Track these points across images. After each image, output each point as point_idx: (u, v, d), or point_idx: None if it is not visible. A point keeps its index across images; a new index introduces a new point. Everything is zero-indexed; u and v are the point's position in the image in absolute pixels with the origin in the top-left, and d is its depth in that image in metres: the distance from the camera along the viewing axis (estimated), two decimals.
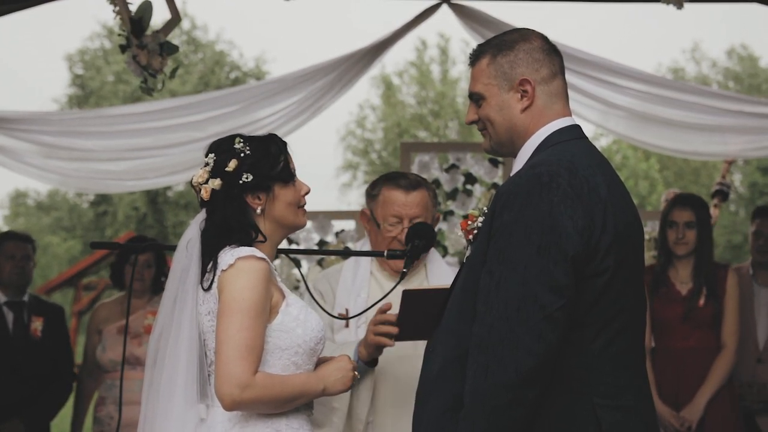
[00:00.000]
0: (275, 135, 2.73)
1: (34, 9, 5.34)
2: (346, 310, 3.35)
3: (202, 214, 2.65)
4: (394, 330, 3.07)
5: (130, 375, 4.82)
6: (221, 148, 2.66)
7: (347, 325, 3.35)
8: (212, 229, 2.61)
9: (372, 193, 3.44)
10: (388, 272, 3.45)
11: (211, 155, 2.65)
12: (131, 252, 4.87)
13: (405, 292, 3.05)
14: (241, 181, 2.60)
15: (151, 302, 5.04)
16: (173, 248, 3.05)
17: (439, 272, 3.49)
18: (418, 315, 3.01)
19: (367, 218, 3.46)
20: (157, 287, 5.10)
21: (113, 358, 4.92)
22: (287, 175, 2.67)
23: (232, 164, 2.61)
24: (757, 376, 5.07)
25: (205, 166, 2.65)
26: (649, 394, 2.36)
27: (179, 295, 2.59)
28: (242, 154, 2.62)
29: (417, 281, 3.46)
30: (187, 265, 2.60)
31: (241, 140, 2.65)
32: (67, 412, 5.29)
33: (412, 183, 3.40)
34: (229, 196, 2.61)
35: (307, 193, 2.73)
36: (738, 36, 44.31)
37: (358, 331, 3.34)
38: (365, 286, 3.42)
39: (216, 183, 2.61)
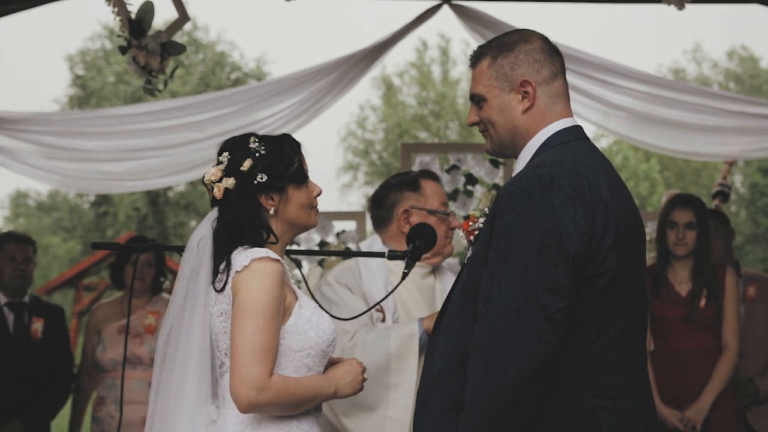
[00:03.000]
0: (289, 135, 2.71)
1: (35, 10, 5.34)
2: (381, 308, 3.37)
3: (214, 213, 2.64)
4: None
5: (131, 374, 4.83)
6: (235, 146, 2.64)
7: (384, 320, 3.38)
8: (224, 229, 2.59)
9: (415, 190, 3.49)
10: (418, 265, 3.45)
11: (225, 153, 2.63)
12: (132, 252, 4.87)
13: None
14: (255, 182, 2.59)
15: (150, 302, 5.04)
16: (174, 248, 3.05)
17: (446, 278, 3.53)
18: None
19: (409, 216, 3.46)
20: (156, 287, 5.10)
21: (113, 357, 4.91)
22: (301, 176, 2.67)
23: (246, 164, 2.59)
24: (740, 371, 5.08)
25: (218, 164, 2.63)
26: (649, 395, 2.35)
27: (189, 294, 2.58)
28: (257, 154, 2.61)
29: (427, 282, 3.48)
30: (197, 263, 2.59)
31: (256, 139, 2.64)
32: (66, 412, 5.29)
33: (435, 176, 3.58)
34: (242, 196, 2.59)
35: (319, 194, 2.72)
36: (739, 37, 44.30)
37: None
38: (390, 283, 3.43)
39: (230, 182, 2.60)
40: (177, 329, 2.58)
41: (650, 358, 4.62)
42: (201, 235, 2.62)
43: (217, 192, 2.60)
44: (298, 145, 2.69)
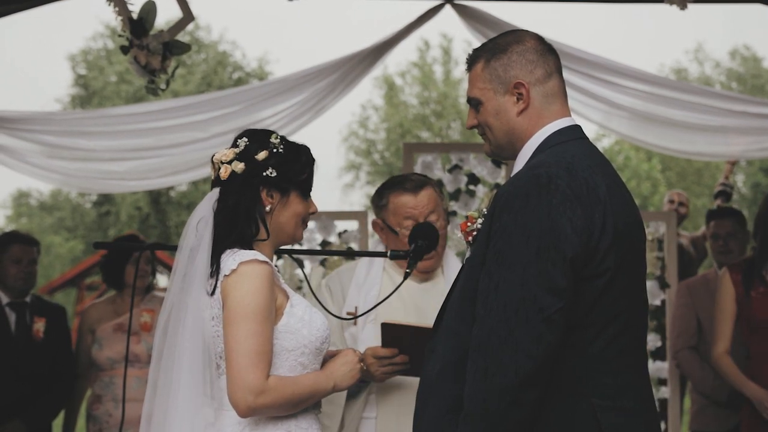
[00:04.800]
0: (308, 148, 2.73)
1: (37, 9, 5.34)
2: (356, 308, 3.35)
3: (215, 194, 2.63)
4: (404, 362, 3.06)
5: (128, 372, 4.85)
6: (256, 137, 2.65)
7: (356, 323, 3.36)
8: (225, 211, 2.59)
9: (381, 203, 3.44)
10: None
11: (244, 139, 2.64)
12: (134, 251, 4.88)
13: (382, 325, 3.04)
14: (264, 174, 2.60)
15: (144, 300, 5.06)
16: (176, 248, 3.04)
17: (455, 273, 3.48)
18: (406, 350, 3.00)
19: (380, 227, 3.46)
20: (149, 286, 5.13)
21: (111, 356, 4.94)
22: (307, 187, 2.69)
23: (262, 155, 2.61)
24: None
25: (233, 146, 2.64)
26: (649, 395, 2.35)
27: (187, 275, 2.57)
28: (275, 150, 2.62)
29: (432, 282, 3.46)
30: (196, 245, 2.58)
31: (278, 137, 2.66)
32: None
33: (418, 183, 3.41)
34: (246, 184, 2.60)
35: (313, 213, 2.73)
36: (741, 37, 44.28)
37: (366, 326, 3.35)
38: (377, 283, 3.43)
39: (239, 167, 2.60)
40: (176, 313, 2.57)
41: (748, 363, 4.43)
42: (201, 215, 2.61)
43: (224, 172, 2.61)
44: (313, 160, 2.71)
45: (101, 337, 4.99)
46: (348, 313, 3.34)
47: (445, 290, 3.39)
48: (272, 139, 2.64)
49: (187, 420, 2.50)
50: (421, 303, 3.37)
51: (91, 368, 5.05)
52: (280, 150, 2.63)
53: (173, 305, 2.59)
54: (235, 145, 2.64)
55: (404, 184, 3.41)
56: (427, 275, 3.43)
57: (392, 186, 3.44)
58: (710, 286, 5.29)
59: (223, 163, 2.62)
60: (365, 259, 3.54)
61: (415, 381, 3.12)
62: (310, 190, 2.70)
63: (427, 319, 3.34)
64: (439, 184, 5.77)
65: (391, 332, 3.02)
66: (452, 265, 3.51)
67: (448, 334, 2.32)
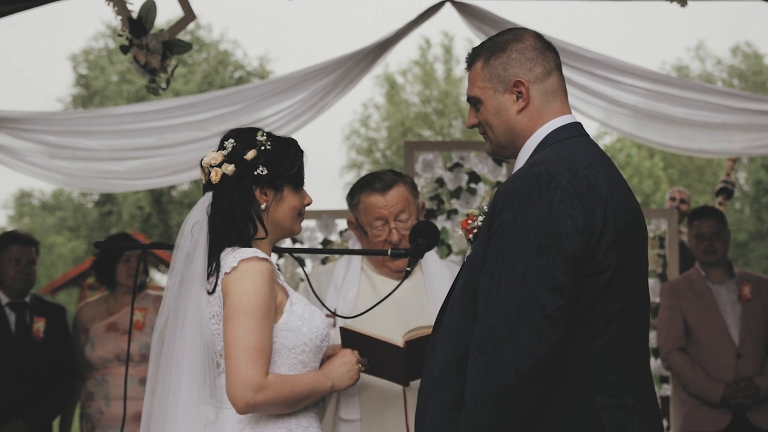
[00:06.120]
0: (296, 140, 2.73)
1: (38, 9, 5.33)
2: (335, 310, 3.35)
3: (207, 198, 2.63)
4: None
5: (121, 370, 4.86)
6: (242, 136, 2.65)
7: (334, 324, 3.34)
8: (219, 214, 2.59)
9: (352, 203, 3.46)
10: (386, 272, 3.45)
11: (231, 140, 2.64)
12: (133, 250, 4.89)
13: (341, 329, 3.05)
14: (255, 173, 2.60)
15: (137, 299, 5.07)
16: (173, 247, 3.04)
17: (435, 271, 3.49)
18: (367, 355, 3.00)
19: (354, 226, 3.49)
20: (142, 285, 5.15)
21: (103, 355, 4.96)
22: (299, 180, 2.68)
23: (250, 154, 2.60)
24: (740, 372, 5.07)
25: (221, 149, 2.64)
26: (652, 393, 2.35)
27: (185, 280, 2.57)
28: (263, 147, 2.62)
29: (410, 278, 3.45)
30: (192, 249, 2.58)
31: (264, 134, 2.65)
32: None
33: (387, 183, 3.41)
34: (238, 185, 2.60)
35: (308, 204, 2.73)
36: (742, 33, 44.21)
37: None
38: (355, 285, 3.44)
39: (229, 168, 2.60)
40: (174, 316, 2.57)
41: None
42: (195, 220, 2.61)
43: (215, 176, 2.61)
44: (302, 151, 2.71)
45: (94, 337, 5.01)
46: (326, 315, 3.34)
47: (423, 286, 3.42)
48: (259, 137, 2.64)
49: (187, 420, 2.50)
50: (399, 299, 3.35)
51: (85, 367, 5.06)
52: (268, 147, 2.62)
53: (171, 308, 2.59)
54: (222, 147, 2.64)
55: (374, 184, 3.41)
56: (402, 273, 3.41)
57: (363, 185, 3.45)
58: (694, 286, 5.30)
59: (212, 166, 2.62)
60: (343, 260, 3.55)
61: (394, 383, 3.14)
62: (303, 182, 2.70)
63: (407, 314, 3.35)
64: (440, 183, 5.79)
65: (349, 336, 3.02)
66: (431, 260, 3.51)
67: (449, 331, 2.32)
